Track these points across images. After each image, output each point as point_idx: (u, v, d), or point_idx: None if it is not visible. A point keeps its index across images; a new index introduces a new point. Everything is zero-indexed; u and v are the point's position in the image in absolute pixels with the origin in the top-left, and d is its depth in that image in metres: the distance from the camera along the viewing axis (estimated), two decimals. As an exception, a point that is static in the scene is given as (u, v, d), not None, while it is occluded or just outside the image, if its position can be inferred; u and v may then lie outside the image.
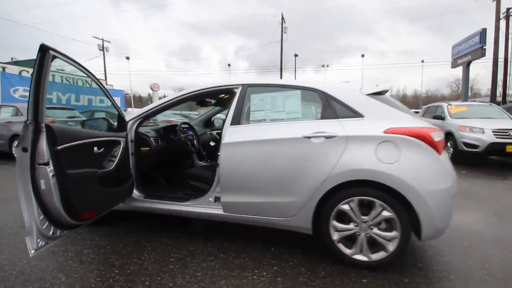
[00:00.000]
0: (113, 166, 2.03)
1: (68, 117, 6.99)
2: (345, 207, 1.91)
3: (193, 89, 2.43)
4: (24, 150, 1.49)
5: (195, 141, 2.94)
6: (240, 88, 2.31)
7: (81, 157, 1.76)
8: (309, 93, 2.15)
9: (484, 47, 14.23)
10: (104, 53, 25.50)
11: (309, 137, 1.96)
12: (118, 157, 2.10)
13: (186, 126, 3.20)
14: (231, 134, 2.16)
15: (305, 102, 2.16)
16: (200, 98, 2.86)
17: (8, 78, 13.02)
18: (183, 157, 3.15)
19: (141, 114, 2.51)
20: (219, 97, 3.04)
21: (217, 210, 2.25)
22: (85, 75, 2.01)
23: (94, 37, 26.26)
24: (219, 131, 3.80)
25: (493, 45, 15.90)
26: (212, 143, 3.65)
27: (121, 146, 2.18)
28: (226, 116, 2.30)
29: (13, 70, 15.09)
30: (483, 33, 14.17)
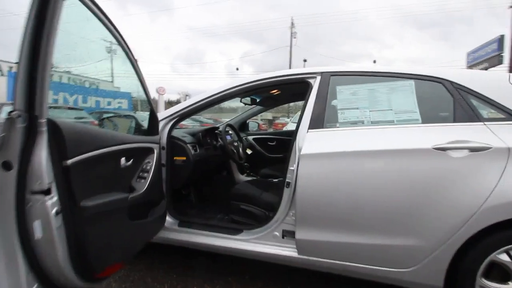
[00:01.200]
0: (145, 186, 1.35)
1: (76, 118, 6.32)
2: (504, 257, 1.22)
3: (249, 80, 1.75)
4: (6, 166, 0.82)
5: (240, 149, 2.25)
6: (319, 78, 1.63)
7: (104, 176, 1.08)
8: (429, 84, 1.47)
9: (502, 54, 13.63)
10: (112, 56, 24.97)
11: (443, 149, 1.27)
12: (151, 171, 1.42)
13: (228, 129, 2.52)
14: (312, 142, 1.48)
15: (423, 98, 1.47)
16: (256, 92, 2.17)
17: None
18: (219, 169, 2.46)
19: (177, 112, 1.83)
20: (285, 90, 2.33)
21: (288, 251, 1.55)
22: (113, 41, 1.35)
23: (103, 39, 25.78)
24: (256, 136, 3.11)
25: (509, 52, 15.32)
26: (248, 151, 2.96)
27: (155, 156, 1.50)
28: (300, 117, 1.62)
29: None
30: (501, 39, 13.58)
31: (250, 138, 3.08)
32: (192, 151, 1.91)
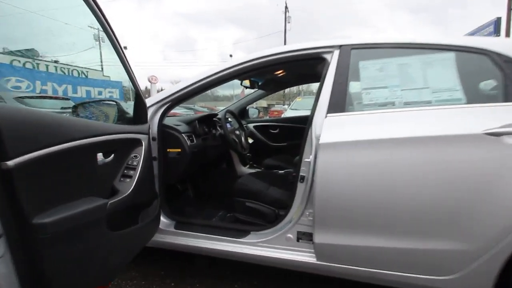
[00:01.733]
0: (132, 186, 1.08)
1: (62, 108, 5.90)
2: None
3: (251, 58, 1.47)
4: None
5: (242, 138, 1.98)
6: (337, 52, 1.36)
7: (72, 179, 0.82)
8: (471, 57, 1.21)
9: (498, 36, 13.43)
10: (100, 44, 24.00)
11: (496, 134, 1.03)
12: (139, 168, 1.15)
13: (230, 116, 2.24)
14: (332, 129, 1.22)
15: (466, 73, 1.22)
16: (259, 72, 1.86)
17: (-1, 68, 11.82)
18: (219, 159, 2.20)
19: (169, 96, 1.55)
20: (293, 69, 2.03)
21: (304, 256, 1.32)
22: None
23: (90, 26, 24.72)
24: (257, 123, 2.84)
25: (505, 35, 15.11)
26: (250, 140, 2.69)
27: (143, 148, 1.23)
28: (316, 99, 1.36)
29: (4, 59, 13.84)
30: (497, 22, 13.30)
31: (251, 126, 2.81)
32: (188, 142, 1.64)
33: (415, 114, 1.18)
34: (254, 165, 2.28)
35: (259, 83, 2.23)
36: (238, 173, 2.16)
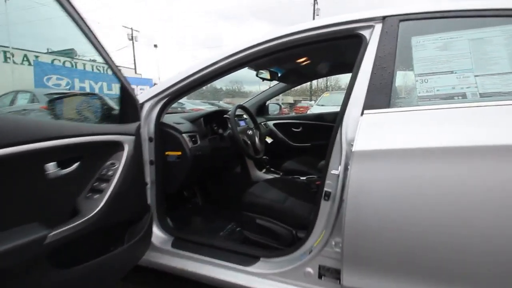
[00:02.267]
0: (100, 204, 0.83)
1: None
2: None
3: (269, 38, 1.15)
4: None
5: (256, 139, 1.67)
6: (379, 27, 1.00)
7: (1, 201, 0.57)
8: None
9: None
10: (133, 43, 24.93)
11: None
12: (115, 179, 0.90)
13: (239, 113, 1.95)
14: (372, 132, 0.87)
15: None
16: (277, 59, 1.52)
17: (41, 67, 12.57)
18: (232, 163, 1.92)
19: (169, 89, 1.29)
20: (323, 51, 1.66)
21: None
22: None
23: (124, 26, 25.79)
24: (277, 120, 2.51)
25: None
26: (268, 140, 2.38)
27: (125, 153, 0.97)
28: (348, 91, 1.01)
29: (46, 59, 14.73)
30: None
31: (271, 123, 2.49)
32: (190, 143, 1.37)
33: (498, 111, 0.79)
34: (272, 169, 1.98)
35: (279, 75, 1.91)
36: (252, 178, 1.87)
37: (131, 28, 25.12)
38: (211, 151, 1.53)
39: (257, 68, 1.63)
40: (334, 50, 1.55)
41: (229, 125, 1.65)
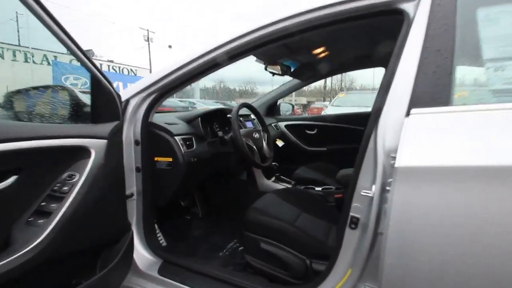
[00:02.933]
0: (45, 232, 0.61)
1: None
2: None
3: (279, 18, 0.90)
4: None
5: (264, 143, 1.42)
6: (428, -3, 0.73)
7: None
8: None
9: None
10: (149, 44, 25.27)
11: None
12: (71, 197, 0.68)
13: (246, 113, 1.70)
14: (422, 140, 0.61)
15: None
16: (289, 47, 1.26)
17: (60, 66, 12.84)
18: (235, 170, 1.67)
19: (157, 82, 1.06)
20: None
21: None
22: None
23: (140, 28, 26.24)
24: (290, 121, 2.26)
25: None
26: (279, 143, 2.12)
27: (89, 163, 0.75)
28: (384, 84, 0.75)
29: (64, 59, 15.08)
30: None
31: (282, 124, 2.24)
32: (183, 148, 1.14)
33: None
34: (282, 177, 1.72)
35: (292, 69, 1.65)
36: (259, 188, 1.63)
37: (147, 30, 25.48)
38: (211, 157, 1.29)
39: (267, 60, 1.38)
40: (361, 34, 1.28)
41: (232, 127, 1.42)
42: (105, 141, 0.83)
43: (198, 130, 1.27)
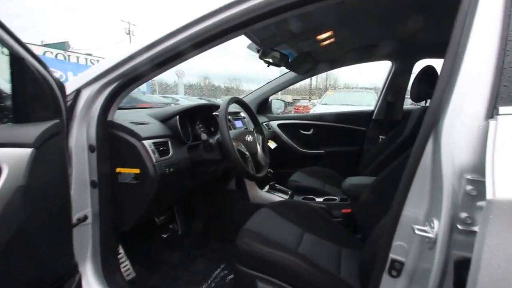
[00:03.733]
0: None
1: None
2: None
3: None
4: None
5: (258, 148, 1.15)
6: None
7: None
8: None
9: None
10: (130, 37, 24.30)
11: None
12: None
13: (235, 110, 1.44)
14: None
15: None
16: (290, 29, 0.99)
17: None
18: (223, 178, 1.41)
19: (118, 67, 0.78)
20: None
21: None
22: None
23: (122, 20, 25.22)
24: (283, 121, 2.02)
25: None
26: (271, 145, 1.88)
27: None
28: (447, 72, 0.51)
29: (38, 50, 14.10)
30: None
31: (274, 123, 1.99)
32: (155, 155, 0.87)
33: None
34: (277, 185, 1.48)
35: (289, 59, 1.40)
36: (250, 199, 1.37)
37: (128, 22, 24.48)
38: (192, 166, 1.02)
39: (261, 45, 1.12)
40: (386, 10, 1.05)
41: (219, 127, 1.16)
42: (29, 150, 0.55)
43: (176, 131, 1.00)
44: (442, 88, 0.50)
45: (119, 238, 0.93)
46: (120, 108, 0.93)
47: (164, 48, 0.75)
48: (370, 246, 0.70)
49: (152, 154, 0.86)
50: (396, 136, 1.56)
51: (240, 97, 1.71)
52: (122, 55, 0.78)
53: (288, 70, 1.81)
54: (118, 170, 0.86)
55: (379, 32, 1.35)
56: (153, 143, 0.89)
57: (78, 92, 0.80)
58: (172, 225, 1.37)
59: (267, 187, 1.42)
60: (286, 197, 1.38)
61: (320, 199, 1.35)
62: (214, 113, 1.14)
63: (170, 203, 1.24)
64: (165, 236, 1.33)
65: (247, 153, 1.02)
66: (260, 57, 1.21)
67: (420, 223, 0.51)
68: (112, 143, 0.84)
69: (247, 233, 0.89)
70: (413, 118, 1.40)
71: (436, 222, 0.47)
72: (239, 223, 0.93)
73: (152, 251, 1.21)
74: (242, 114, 1.55)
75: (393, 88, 1.73)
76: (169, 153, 0.93)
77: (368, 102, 5.53)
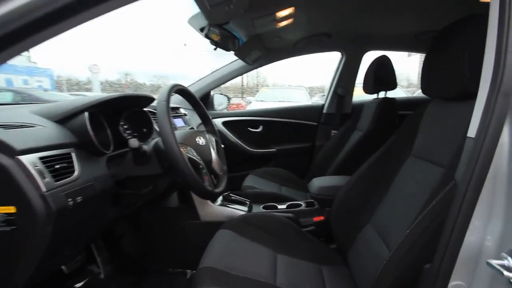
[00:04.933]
0: None
1: None
2: None
3: None
4: None
5: (213, 153, 0.86)
6: None
7: None
8: None
9: None
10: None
11: None
12: None
13: (174, 105, 1.11)
14: None
15: None
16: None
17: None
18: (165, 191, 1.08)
19: None
20: None
21: None
22: None
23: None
24: (228, 118, 1.78)
25: None
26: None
27: None
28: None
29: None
30: None
31: (218, 121, 1.72)
32: (43, 181, 0.51)
33: None
34: (233, 195, 1.21)
35: (239, 43, 1.16)
36: (201, 218, 1.07)
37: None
38: (115, 187, 0.68)
39: (209, 17, 0.84)
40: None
41: (156, 128, 0.84)
42: None
43: (85, 136, 0.64)
44: (492, 89, 0.35)
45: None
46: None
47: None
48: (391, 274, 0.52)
49: (38, 178, 0.50)
50: (349, 131, 1.50)
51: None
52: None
53: (231, 61, 1.58)
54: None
55: (334, 20, 1.24)
56: (41, 158, 0.52)
57: None
58: (91, 267, 0.98)
59: (220, 199, 1.15)
60: (245, 208, 1.14)
61: (283, 206, 1.16)
62: (146, 108, 0.81)
63: (84, 243, 0.85)
64: (80, 285, 0.93)
65: (201, 162, 0.74)
66: (206, 35, 0.92)
67: (492, 254, 0.35)
68: None
69: (208, 274, 0.63)
70: (369, 111, 1.34)
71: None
72: (188, 251, 0.66)
73: None
74: (182, 110, 1.24)
75: (343, 80, 1.67)
76: (74, 173, 0.58)
77: (299, 99, 6.04)
